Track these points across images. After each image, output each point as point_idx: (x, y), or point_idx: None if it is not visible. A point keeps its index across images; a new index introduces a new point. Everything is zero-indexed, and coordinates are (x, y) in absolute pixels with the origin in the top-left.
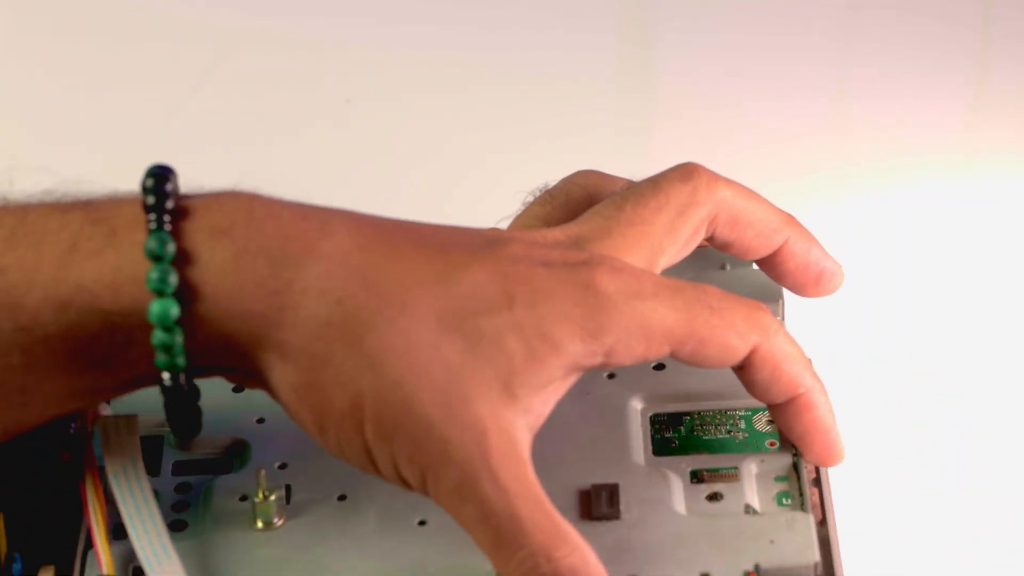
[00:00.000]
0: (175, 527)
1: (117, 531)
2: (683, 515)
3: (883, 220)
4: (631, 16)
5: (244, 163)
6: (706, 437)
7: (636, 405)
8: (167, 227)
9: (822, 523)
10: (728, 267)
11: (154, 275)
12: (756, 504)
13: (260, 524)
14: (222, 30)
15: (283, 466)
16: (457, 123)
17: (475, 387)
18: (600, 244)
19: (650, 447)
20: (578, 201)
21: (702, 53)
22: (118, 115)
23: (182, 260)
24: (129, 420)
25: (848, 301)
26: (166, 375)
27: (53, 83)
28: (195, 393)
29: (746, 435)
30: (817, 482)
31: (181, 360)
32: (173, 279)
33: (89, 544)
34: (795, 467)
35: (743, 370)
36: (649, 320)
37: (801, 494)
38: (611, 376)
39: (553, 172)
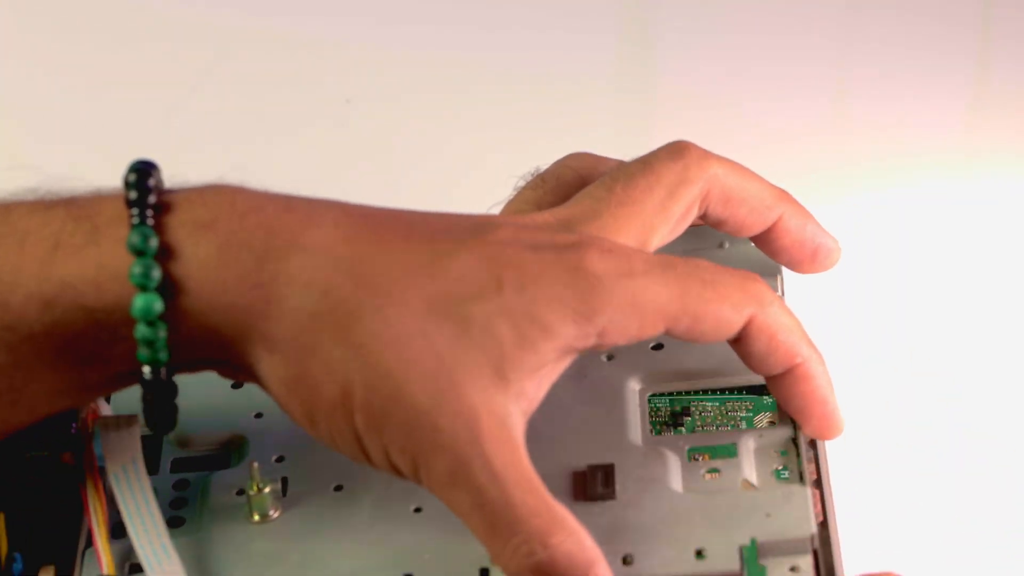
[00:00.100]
0: (173, 523)
1: (117, 530)
2: (679, 493)
3: (883, 220)
4: (631, 16)
5: (244, 163)
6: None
7: (634, 386)
8: (149, 222)
9: (823, 524)
10: (727, 245)
11: (137, 270)
12: (754, 479)
13: (256, 517)
14: (222, 30)
15: (280, 459)
16: (457, 123)
17: (465, 373)
18: (590, 225)
19: (648, 427)
20: (570, 184)
21: (702, 53)
22: (118, 115)
23: (165, 255)
24: (129, 420)
25: (848, 301)
26: (146, 369)
27: (53, 83)
28: (172, 388)
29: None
30: (814, 454)
31: (163, 355)
32: (156, 273)
33: (89, 543)
34: (794, 441)
35: (739, 342)
36: (641, 298)
37: (800, 469)
38: (610, 358)
39: None
